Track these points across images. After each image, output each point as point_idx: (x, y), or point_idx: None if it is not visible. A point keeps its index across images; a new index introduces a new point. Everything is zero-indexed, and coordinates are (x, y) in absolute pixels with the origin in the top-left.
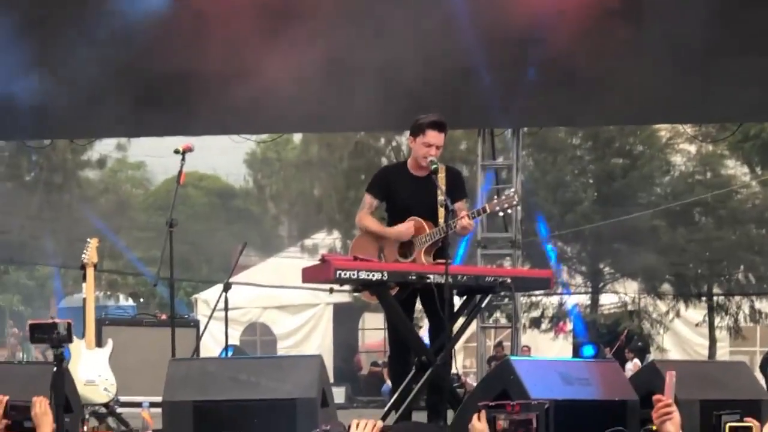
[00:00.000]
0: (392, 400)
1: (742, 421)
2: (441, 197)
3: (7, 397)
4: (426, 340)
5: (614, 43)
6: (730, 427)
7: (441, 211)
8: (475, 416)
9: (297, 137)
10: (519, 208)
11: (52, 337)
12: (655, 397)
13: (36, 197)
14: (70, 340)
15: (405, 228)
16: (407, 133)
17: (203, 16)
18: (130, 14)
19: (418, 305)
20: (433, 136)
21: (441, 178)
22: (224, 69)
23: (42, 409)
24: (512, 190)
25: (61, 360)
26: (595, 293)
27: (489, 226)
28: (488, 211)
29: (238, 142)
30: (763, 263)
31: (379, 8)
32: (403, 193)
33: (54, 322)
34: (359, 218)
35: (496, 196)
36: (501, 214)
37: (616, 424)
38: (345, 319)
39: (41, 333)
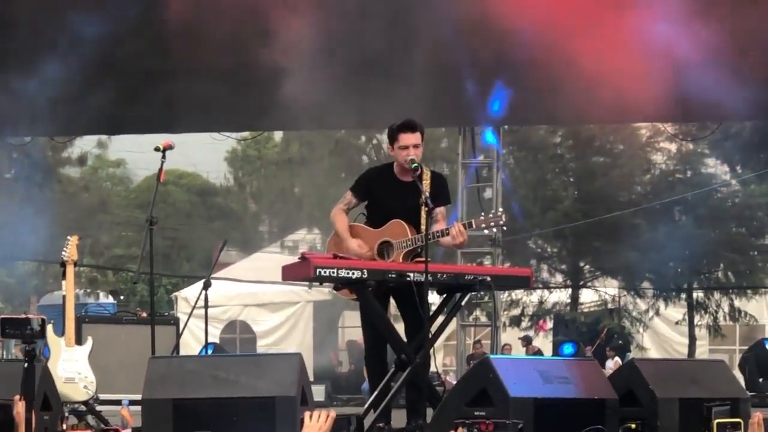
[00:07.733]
0: (371, 399)
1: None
2: (423, 197)
3: None
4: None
5: (596, 41)
6: (718, 424)
7: (423, 216)
8: None
9: (278, 135)
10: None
11: (25, 333)
12: None
13: (16, 194)
14: (43, 336)
15: (357, 249)
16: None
17: (188, 14)
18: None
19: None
20: (406, 138)
21: (426, 184)
22: (209, 66)
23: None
24: (500, 210)
25: (33, 356)
26: (576, 290)
27: None
28: (474, 227)
29: (219, 140)
30: (743, 262)
31: (359, 4)
32: (386, 196)
33: (27, 318)
34: (334, 212)
35: (483, 214)
36: (486, 231)
37: (595, 422)
38: (325, 317)
39: (13, 328)
